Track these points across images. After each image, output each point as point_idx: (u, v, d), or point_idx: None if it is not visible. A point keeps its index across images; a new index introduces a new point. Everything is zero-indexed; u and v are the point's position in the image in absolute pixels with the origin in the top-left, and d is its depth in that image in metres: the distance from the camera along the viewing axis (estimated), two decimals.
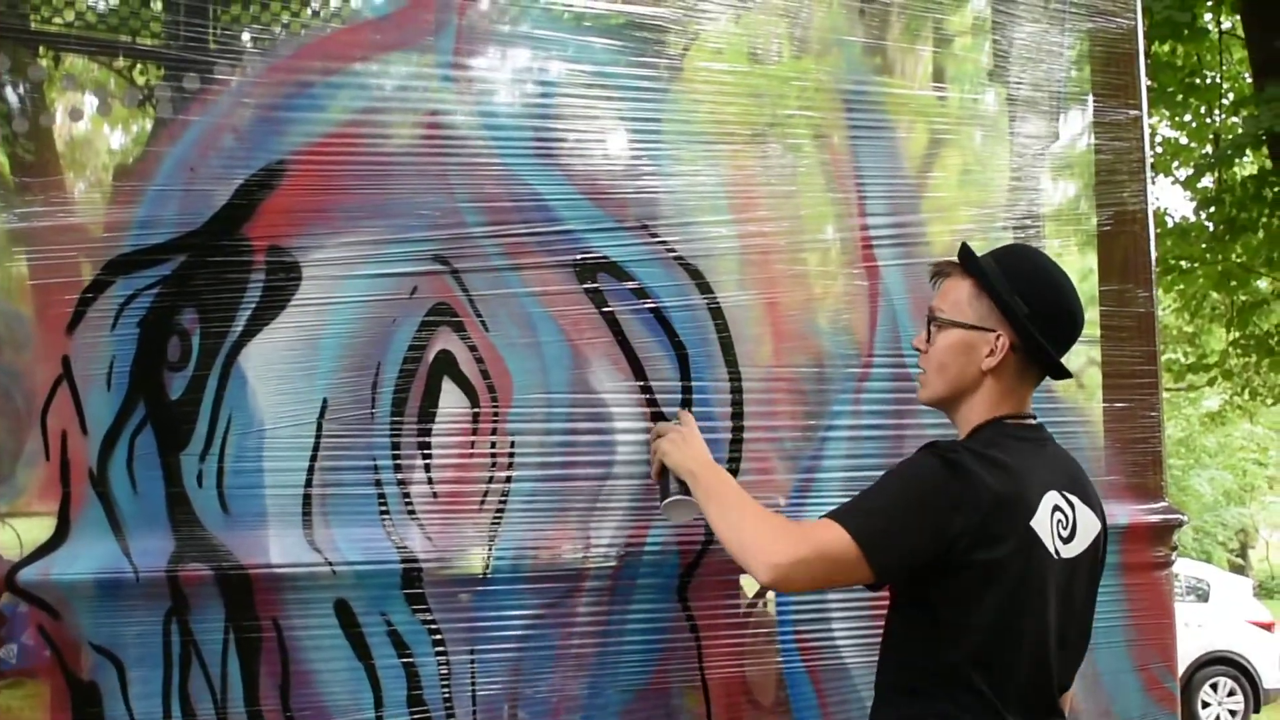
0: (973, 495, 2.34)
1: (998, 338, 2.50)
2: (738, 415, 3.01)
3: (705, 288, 3.00)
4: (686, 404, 2.93)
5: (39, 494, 2.54)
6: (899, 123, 3.28)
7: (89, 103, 2.66)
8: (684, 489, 2.65)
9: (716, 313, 3.00)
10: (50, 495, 2.53)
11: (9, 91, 2.63)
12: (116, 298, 2.57)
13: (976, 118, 3.42)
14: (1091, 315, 3.46)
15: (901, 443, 3.08)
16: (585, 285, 2.89)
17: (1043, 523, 2.42)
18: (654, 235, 2.96)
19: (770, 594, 3.01)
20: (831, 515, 2.37)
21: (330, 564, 2.63)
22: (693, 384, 2.96)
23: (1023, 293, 2.49)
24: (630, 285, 2.92)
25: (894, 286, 3.20)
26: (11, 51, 2.61)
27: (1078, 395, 3.45)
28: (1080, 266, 3.52)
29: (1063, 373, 2.59)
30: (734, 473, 2.97)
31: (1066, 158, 3.56)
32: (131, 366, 2.57)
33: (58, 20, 2.69)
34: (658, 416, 2.90)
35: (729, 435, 3.00)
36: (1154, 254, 3.68)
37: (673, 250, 2.97)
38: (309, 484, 2.66)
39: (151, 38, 2.72)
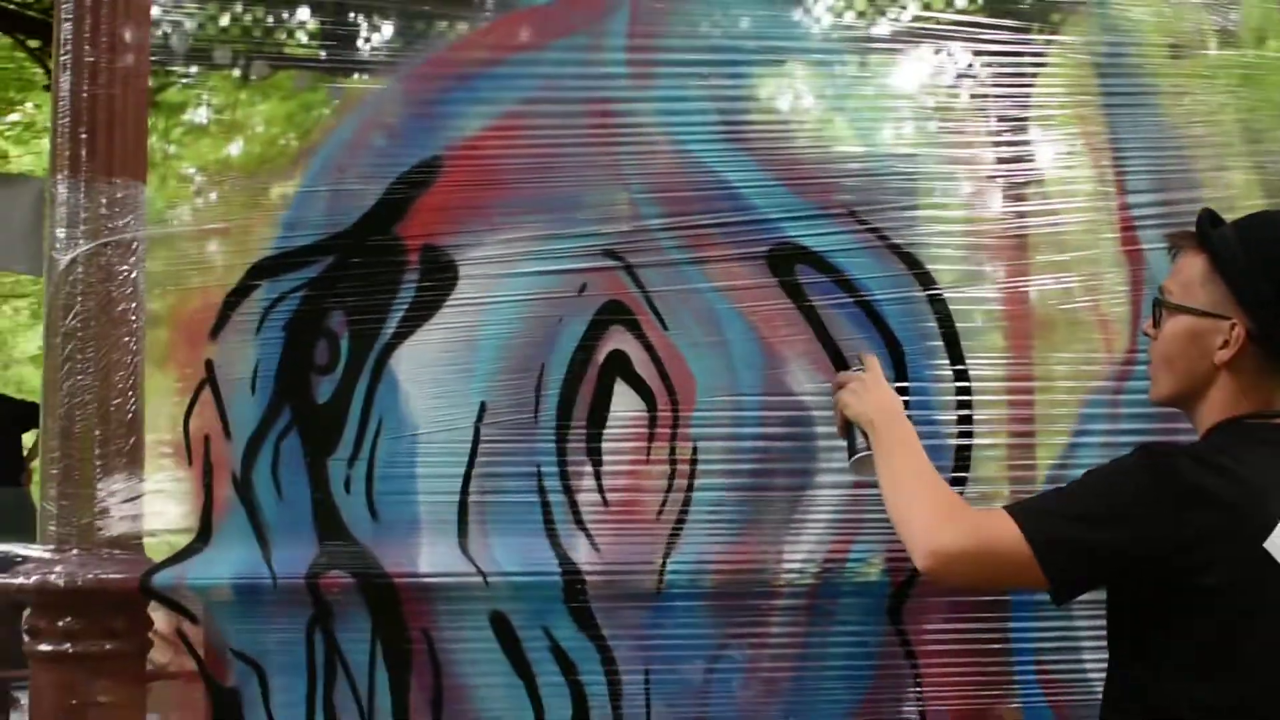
0: (1183, 509, 1.92)
1: (1232, 326, 2.05)
2: (965, 420, 2.65)
3: (925, 279, 2.66)
4: (904, 406, 2.60)
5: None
6: (1168, 86, 2.85)
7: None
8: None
9: (939, 305, 2.66)
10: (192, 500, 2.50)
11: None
12: (262, 300, 2.53)
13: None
14: None
15: None
16: (780, 278, 2.62)
17: None
18: (863, 222, 2.66)
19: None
20: (1010, 508, 2.03)
21: (482, 574, 2.46)
22: (909, 384, 2.63)
23: (1269, 270, 2.05)
24: (834, 277, 2.63)
25: (1161, 273, 2.75)
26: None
27: None
28: None
29: None
30: (960, 482, 2.61)
31: None
32: (277, 370, 2.53)
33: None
34: None
35: (955, 442, 2.64)
36: None
37: (886, 238, 2.66)
38: (465, 491, 2.52)
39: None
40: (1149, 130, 2.80)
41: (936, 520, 2.06)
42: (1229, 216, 2.21)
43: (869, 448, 2.30)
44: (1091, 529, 1.97)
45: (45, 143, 6.47)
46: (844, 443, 2.42)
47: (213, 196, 2.75)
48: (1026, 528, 1.96)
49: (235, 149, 3.11)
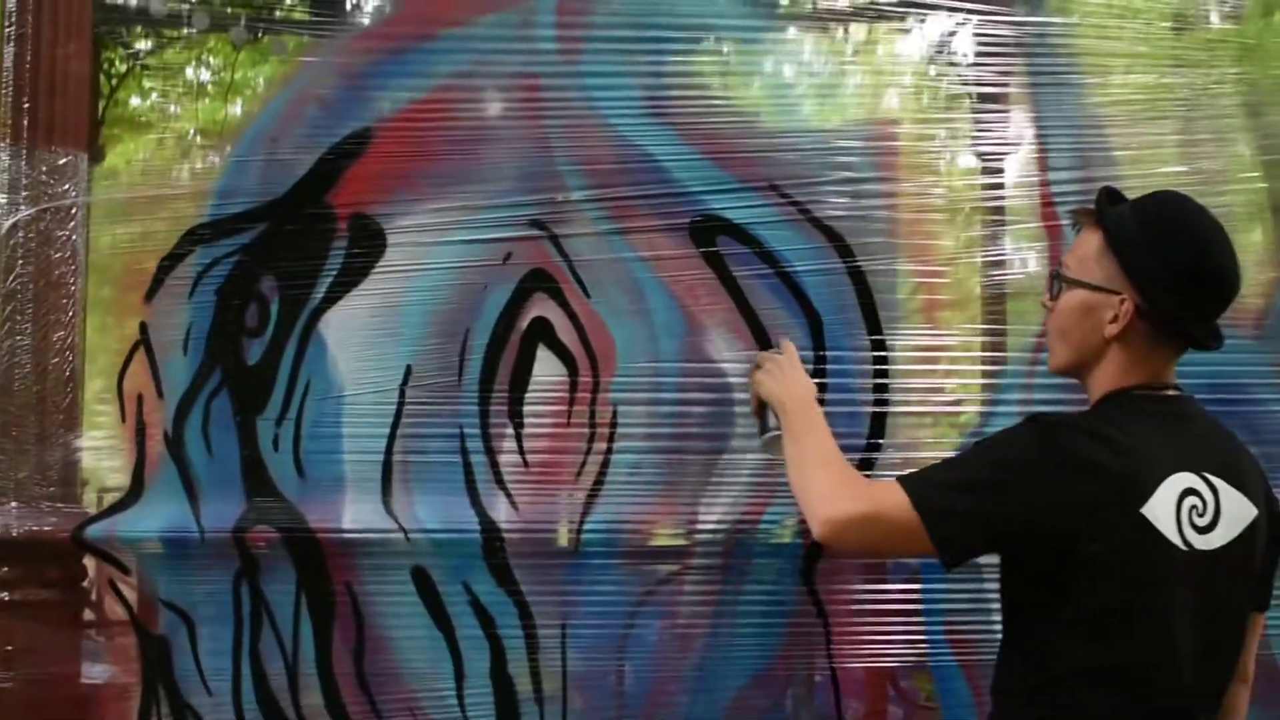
0: (1069, 478, 1.99)
1: (1122, 301, 2.12)
2: (881, 389, 2.72)
3: (845, 251, 2.74)
4: (820, 374, 2.67)
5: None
6: (1092, 68, 2.91)
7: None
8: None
9: (858, 277, 2.73)
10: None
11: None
12: (195, 265, 2.62)
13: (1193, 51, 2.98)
14: None
15: None
16: (702, 249, 2.70)
17: (1162, 509, 2.00)
18: (785, 196, 2.73)
19: None
20: (902, 478, 2.09)
21: (404, 530, 2.56)
22: (828, 353, 2.70)
23: (1157, 249, 2.11)
24: (755, 249, 2.71)
25: None
26: None
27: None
28: None
29: (1205, 343, 2.17)
30: (876, 449, 2.70)
31: None
32: (209, 332, 2.62)
33: None
34: None
35: (870, 410, 2.71)
36: None
37: (806, 211, 2.73)
38: (390, 451, 2.62)
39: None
40: (1072, 110, 2.87)
41: (832, 491, 2.12)
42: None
43: (779, 428, 2.38)
44: (977, 497, 2.02)
45: None
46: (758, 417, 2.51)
47: (213, 159, 2.81)
48: (914, 496, 2.02)
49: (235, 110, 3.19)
